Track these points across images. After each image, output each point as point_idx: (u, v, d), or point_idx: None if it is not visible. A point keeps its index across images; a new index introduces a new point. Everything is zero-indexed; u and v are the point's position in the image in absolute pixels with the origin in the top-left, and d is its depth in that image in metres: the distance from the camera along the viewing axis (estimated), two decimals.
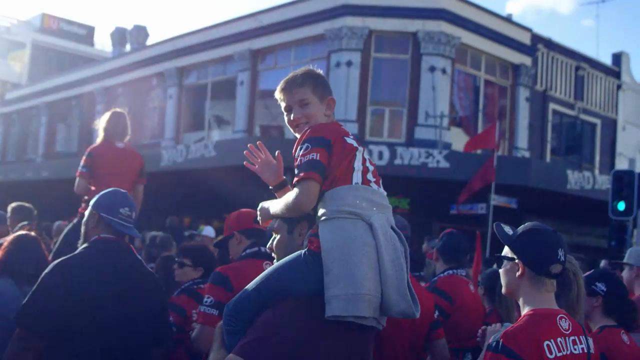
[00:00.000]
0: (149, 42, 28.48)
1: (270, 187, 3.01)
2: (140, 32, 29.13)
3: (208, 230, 12.16)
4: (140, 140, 21.75)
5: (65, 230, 5.97)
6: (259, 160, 3.00)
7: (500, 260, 2.73)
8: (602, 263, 8.22)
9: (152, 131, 24.30)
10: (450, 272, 4.76)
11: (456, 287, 4.66)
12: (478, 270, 6.52)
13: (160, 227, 14.53)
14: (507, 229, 2.72)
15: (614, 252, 12.21)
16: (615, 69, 24.09)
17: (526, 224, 2.72)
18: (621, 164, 21.90)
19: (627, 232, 13.02)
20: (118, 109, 6.40)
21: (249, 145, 3.01)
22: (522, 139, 20.13)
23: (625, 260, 4.89)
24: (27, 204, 6.96)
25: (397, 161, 15.33)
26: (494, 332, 3.07)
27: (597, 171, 21.08)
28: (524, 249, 2.62)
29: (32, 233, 4.46)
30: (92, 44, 42.56)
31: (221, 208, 18.22)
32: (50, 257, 4.70)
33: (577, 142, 23.28)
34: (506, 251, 2.71)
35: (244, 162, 3.02)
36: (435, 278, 4.82)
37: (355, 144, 2.77)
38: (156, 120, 24.47)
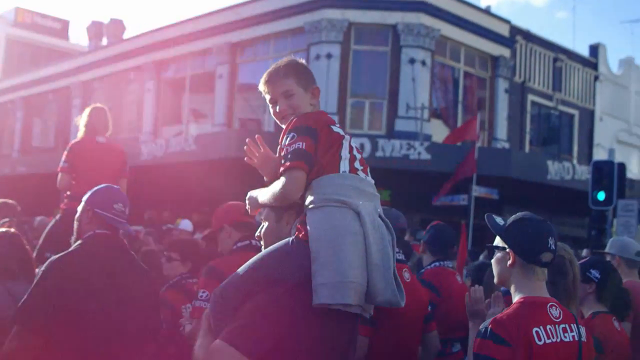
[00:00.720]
0: (126, 35, 28.22)
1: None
2: (117, 25, 28.84)
3: (185, 224, 12.02)
4: (118, 135, 21.53)
5: (48, 227, 5.90)
6: (257, 154, 2.92)
7: (491, 250, 2.74)
8: (584, 252, 8.31)
9: (130, 125, 24.06)
10: (437, 264, 4.76)
11: (443, 278, 4.66)
12: (463, 261, 6.54)
13: (138, 221, 14.41)
14: (499, 220, 2.75)
15: (594, 242, 12.34)
16: (592, 60, 24.28)
17: (517, 213, 2.73)
18: (599, 155, 22.15)
19: (607, 222, 13.16)
20: (99, 104, 6.37)
21: (247, 140, 2.91)
22: (502, 130, 20.26)
23: (607, 250, 4.97)
24: (10, 201, 6.89)
25: (379, 153, 15.33)
26: (476, 299, 3.14)
27: (575, 161, 21.28)
28: (515, 238, 2.65)
29: (12, 229, 4.40)
30: (67, 38, 42.00)
31: (200, 201, 18.15)
32: (34, 254, 4.63)
33: (555, 133, 23.47)
34: (497, 241, 2.74)
35: (245, 158, 2.93)
36: (423, 270, 4.84)
37: (341, 132, 2.79)
38: (134, 114, 24.25)
